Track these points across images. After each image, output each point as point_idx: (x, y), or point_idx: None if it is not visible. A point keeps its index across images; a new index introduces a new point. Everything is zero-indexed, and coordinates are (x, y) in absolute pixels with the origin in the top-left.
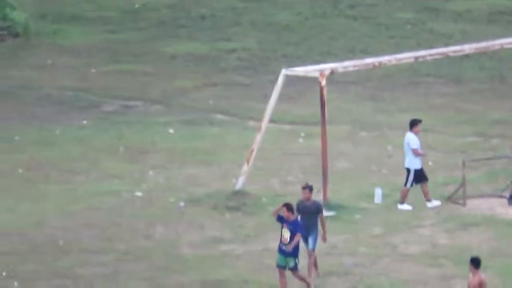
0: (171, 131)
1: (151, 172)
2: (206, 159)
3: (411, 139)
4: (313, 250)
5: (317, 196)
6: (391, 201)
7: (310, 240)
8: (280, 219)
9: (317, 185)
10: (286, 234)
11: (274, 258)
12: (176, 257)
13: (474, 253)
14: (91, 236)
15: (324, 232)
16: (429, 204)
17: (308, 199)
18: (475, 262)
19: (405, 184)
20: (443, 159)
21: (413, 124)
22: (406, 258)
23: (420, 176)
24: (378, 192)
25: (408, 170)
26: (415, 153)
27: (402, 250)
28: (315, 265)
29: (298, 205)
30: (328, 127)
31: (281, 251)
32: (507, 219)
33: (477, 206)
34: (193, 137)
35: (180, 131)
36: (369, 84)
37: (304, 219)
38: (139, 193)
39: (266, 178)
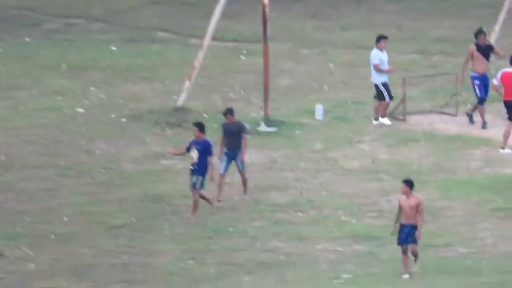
0: (113, 48)
1: (93, 89)
2: (148, 76)
3: (373, 55)
4: (243, 169)
5: (259, 112)
6: (332, 116)
7: (239, 161)
8: (188, 148)
9: (258, 102)
10: (194, 154)
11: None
12: (118, 173)
13: (414, 168)
14: (33, 151)
15: (244, 152)
16: (375, 122)
17: (232, 121)
18: (410, 184)
19: (381, 100)
20: None
21: (378, 40)
22: (346, 172)
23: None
24: (319, 108)
25: (376, 86)
26: (376, 68)
27: (342, 165)
28: (220, 189)
29: (223, 126)
30: (270, 45)
31: (191, 170)
32: (446, 135)
33: (417, 122)
34: (135, 54)
35: (122, 49)
36: (311, 2)
37: (229, 139)
38: (80, 110)
39: (208, 95)
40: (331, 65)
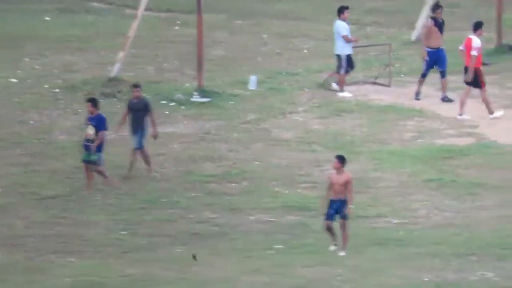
0: (47, 18)
1: (27, 59)
2: (82, 46)
3: (340, 26)
4: (141, 148)
5: (192, 82)
6: (266, 87)
7: (137, 138)
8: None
9: (192, 72)
10: (90, 130)
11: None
12: (51, 143)
13: (347, 139)
14: None
15: (154, 129)
16: (338, 90)
17: (138, 97)
18: (342, 160)
19: (339, 71)
20: (318, 46)
21: (340, 11)
22: (280, 143)
23: (348, 62)
24: (252, 78)
25: (339, 56)
26: (346, 39)
27: (276, 136)
28: (147, 161)
29: (128, 103)
30: (204, 15)
31: (85, 146)
32: (380, 105)
33: (351, 92)
34: (70, 25)
35: (56, 19)
36: None
37: (133, 116)
38: (14, 80)
39: (142, 65)
40: (265, 36)
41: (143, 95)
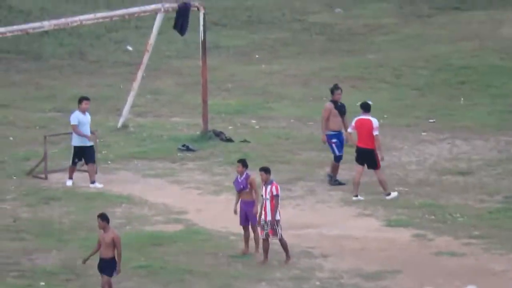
0: None
1: None
2: None
3: (72, 116)
4: None
5: None
6: None
7: None
8: None
9: None
10: None
11: None
12: None
13: (56, 227)
14: None
15: None
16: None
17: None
18: (105, 218)
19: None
20: (23, 134)
21: (79, 101)
22: None
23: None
24: None
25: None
26: (74, 130)
27: None
28: None
29: None
30: None
31: None
32: (87, 193)
33: (59, 180)
34: None
35: None
36: None
37: None
38: None
39: None
40: None
41: None
